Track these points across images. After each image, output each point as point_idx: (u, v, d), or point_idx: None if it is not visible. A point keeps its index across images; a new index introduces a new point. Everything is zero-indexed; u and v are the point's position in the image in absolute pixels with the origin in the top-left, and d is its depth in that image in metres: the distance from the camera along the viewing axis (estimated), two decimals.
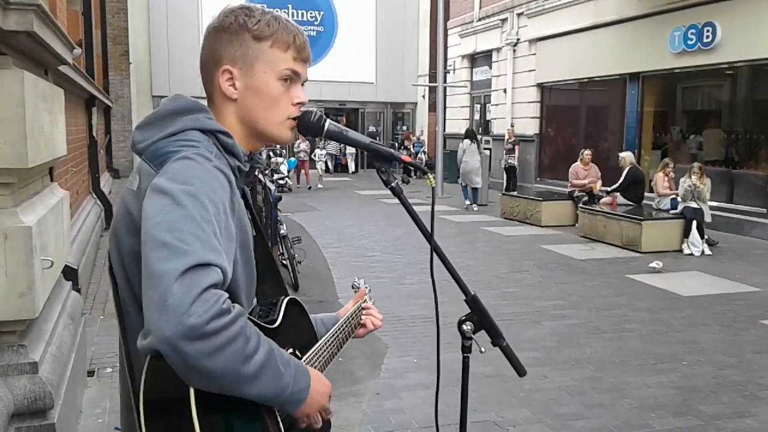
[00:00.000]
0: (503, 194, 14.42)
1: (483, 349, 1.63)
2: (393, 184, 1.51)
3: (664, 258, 9.04)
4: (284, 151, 18.06)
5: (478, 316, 1.62)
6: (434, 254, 1.59)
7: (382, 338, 5.71)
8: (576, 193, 12.49)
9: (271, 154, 16.95)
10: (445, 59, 21.18)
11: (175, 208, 1.14)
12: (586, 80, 15.74)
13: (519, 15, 17.93)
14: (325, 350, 1.54)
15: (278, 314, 1.38)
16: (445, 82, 20.66)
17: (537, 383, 4.79)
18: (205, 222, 1.14)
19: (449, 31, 21.51)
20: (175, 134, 1.30)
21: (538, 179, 17.75)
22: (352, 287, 1.93)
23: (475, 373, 4.94)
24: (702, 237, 9.79)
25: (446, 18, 20.98)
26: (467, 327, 1.62)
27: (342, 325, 1.66)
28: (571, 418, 4.22)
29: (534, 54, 17.38)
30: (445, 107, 20.87)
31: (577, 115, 16.81)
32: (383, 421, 4.14)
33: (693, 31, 12.06)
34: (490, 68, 19.78)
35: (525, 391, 4.63)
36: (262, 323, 1.33)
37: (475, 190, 15.08)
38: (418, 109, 26.61)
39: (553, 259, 9.38)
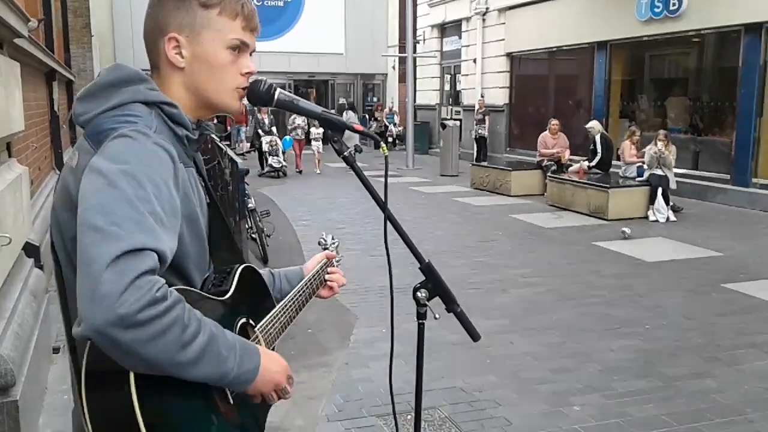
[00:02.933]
0: (473, 165, 14.48)
1: (437, 315, 1.65)
2: (345, 153, 1.51)
3: (630, 225, 9.18)
4: (274, 128, 16.26)
5: (433, 284, 1.64)
6: (388, 223, 1.57)
7: (351, 309, 5.74)
8: (545, 163, 12.59)
9: (260, 132, 16.00)
10: (415, 29, 21.04)
11: (110, 189, 1.11)
12: (554, 49, 15.78)
13: None
14: (282, 315, 1.54)
15: (231, 283, 1.38)
16: (414, 52, 20.56)
17: (503, 350, 4.86)
18: (142, 201, 1.12)
19: (418, 1, 21.32)
20: (117, 107, 1.26)
21: (508, 149, 17.83)
22: (319, 243, 1.92)
23: (442, 341, 5.01)
24: (667, 204, 9.95)
25: None
26: (421, 294, 1.64)
27: (303, 287, 1.66)
28: (536, 382, 4.30)
29: (503, 23, 17.33)
30: (415, 78, 20.79)
31: (546, 85, 16.86)
32: (352, 390, 4.19)
33: None
34: (460, 38, 19.70)
35: (491, 358, 4.70)
36: (212, 295, 1.33)
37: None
38: (388, 80, 26.46)
39: (522, 228, 9.47)
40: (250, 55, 1.42)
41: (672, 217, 9.92)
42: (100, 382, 1.12)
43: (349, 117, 18.34)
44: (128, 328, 1.02)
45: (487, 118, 17.45)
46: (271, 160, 15.39)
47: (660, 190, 9.89)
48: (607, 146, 11.54)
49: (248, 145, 18.86)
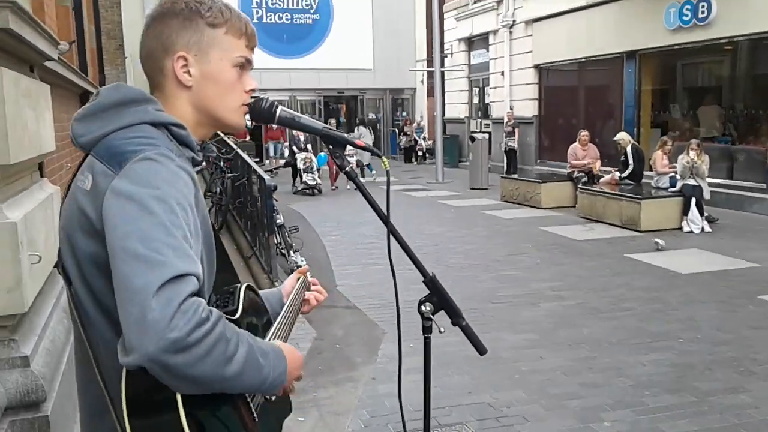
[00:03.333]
0: (502, 177, 14.40)
1: (442, 329, 1.65)
2: (347, 169, 1.52)
3: (663, 236, 9.01)
4: (309, 145, 16.08)
5: (437, 297, 1.63)
6: (392, 237, 1.59)
7: (379, 324, 5.74)
8: (575, 174, 12.47)
9: (294, 149, 15.95)
10: (442, 43, 21.08)
11: (145, 215, 1.12)
12: (583, 60, 15.66)
13: None
14: (279, 330, 1.56)
15: (237, 303, 1.40)
16: (442, 66, 20.59)
17: (532, 364, 4.81)
18: (176, 228, 1.13)
19: (445, 15, 21.38)
20: (125, 128, 1.27)
21: (538, 161, 17.71)
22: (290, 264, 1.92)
23: (470, 356, 4.95)
24: (701, 214, 9.77)
25: (442, 1, 20.88)
26: (426, 308, 1.63)
27: (291, 304, 1.67)
28: (565, 398, 4.24)
29: (530, 35, 17.28)
30: (443, 92, 20.82)
31: (575, 96, 16.74)
32: (378, 405, 4.17)
33: (688, 6, 11.98)
34: (488, 51, 19.68)
35: (520, 373, 4.65)
36: (227, 315, 1.34)
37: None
38: (417, 94, 26.53)
39: (552, 241, 9.38)
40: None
41: (707, 228, 9.73)
42: (146, 407, 1.14)
43: (362, 133, 18.46)
44: (179, 352, 1.05)
45: (516, 130, 17.37)
46: (305, 177, 15.19)
47: (693, 201, 9.72)
48: (639, 157, 11.38)
49: (282, 161, 18.81)
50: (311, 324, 5.71)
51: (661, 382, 4.44)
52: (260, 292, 1.76)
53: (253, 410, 1.30)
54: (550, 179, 13.13)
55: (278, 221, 7.19)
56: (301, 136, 16.14)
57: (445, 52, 21.65)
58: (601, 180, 11.77)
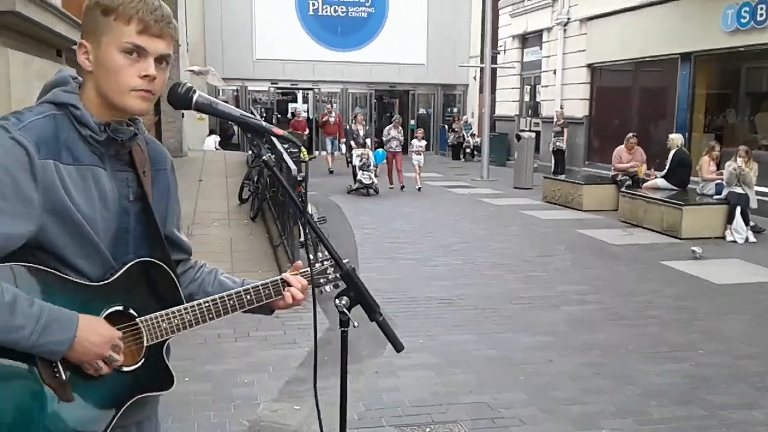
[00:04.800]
0: (545, 177, 14.17)
1: (356, 324, 1.63)
2: (265, 158, 1.52)
3: (705, 245, 8.73)
4: (368, 140, 15.20)
5: (354, 292, 1.61)
6: (310, 227, 1.58)
7: (392, 318, 5.72)
8: (619, 177, 12.17)
9: (352, 144, 15.01)
10: (495, 40, 20.82)
11: None
12: (637, 60, 15.24)
13: None
14: (188, 313, 1.56)
15: (114, 274, 1.47)
16: (495, 63, 20.34)
17: (540, 367, 4.73)
18: None
19: (500, 11, 21.12)
20: (36, 105, 1.42)
21: (587, 162, 17.33)
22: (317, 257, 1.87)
23: (479, 355, 4.93)
24: (747, 224, 9.40)
25: None
26: (339, 302, 1.61)
27: (234, 293, 1.64)
28: (566, 402, 4.15)
29: (584, 34, 16.91)
30: (494, 89, 20.58)
31: (628, 97, 16.31)
32: (376, 398, 4.17)
33: (746, 8, 11.51)
34: (541, 48, 19.36)
35: (526, 375, 4.58)
36: (89, 281, 1.44)
37: None
38: (469, 90, 26.29)
39: (586, 244, 9.18)
40: (164, 61, 1.47)
41: (752, 238, 9.36)
42: None
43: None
44: None
45: (565, 130, 17.03)
46: (360, 175, 13.68)
47: (739, 209, 9.36)
48: (681, 162, 11.02)
49: (329, 158, 18.30)
50: (326, 315, 5.74)
51: (671, 393, 4.31)
52: (252, 282, 1.73)
53: (60, 367, 1.39)
54: (593, 181, 12.85)
55: None
56: (360, 131, 15.36)
57: (499, 48, 21.40)
58: (645, 184, 11.45)
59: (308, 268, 1.76)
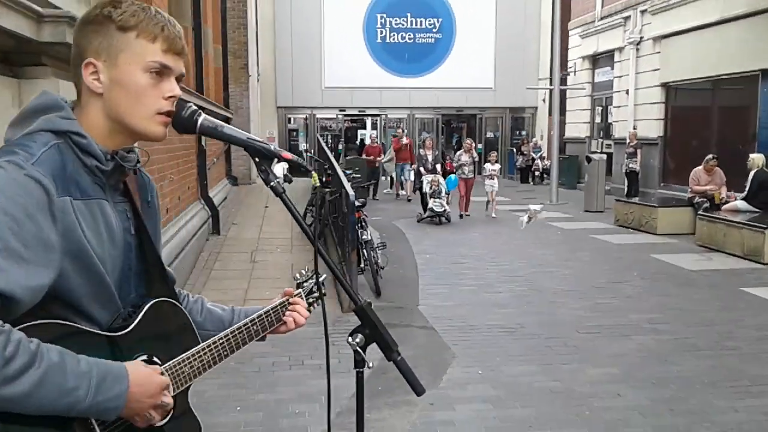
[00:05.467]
0: (617, 200, 13.67)
1: (371, 364, 1.50)
2: (273, 183, 1.43)
3: None
4: (438, 166, 14.42)
5: (369, 329, 1.48)
6: (320, 258, 1.48)
7: (451, 347, 5.55)
8: (696, 200, 11.60)
9: (422, 170, 14.23)
10: (566, 61, 20.45)
11: None
12: (714, 78, 14.59)
13: (642, 12, 16.97)
14: (206, 353, 1.47)
15: (135, 319, 1.35)
16: (565, 84, 19.96)
17: (606, 402, 4.44)
18: None
19: (570, 32, 20.76)
20: (27, 135, 1.27)
21: (662, 185, 16.65)
22: (294, 279, 1.83)
23: (542, 388, 4.69)
24: None
25: (567, 19, 20.29)
26: (353, 340, 1.49)
27: (243, 326, 1.58)
28: None
29: (658, 52, 16.36)
30: (563, 111, 20.16)
31: (705, 116, 15.61)
32: None
33: None
34: (612, 69, 18.87)
35: (592, 410, 4.31)
36: (109, 331, 1.31)
37: None
38: (538, 113, 25.88)
39: (661, 269, 8.73)
40: (179, 79, 1.38)
41: None
42: None
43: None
44: None
45: (639, 151, 16.45)
46: (431, 203, 12.82)
47: None
48: (763, 184, 10.40)
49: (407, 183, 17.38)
50: None
51: (751, 431, 3.97)
52: (241, 308, 1.69)
53: (94, 424, 1.24)
54: (668, 204, 12.29)
55: (364, 237, 7.17)
56: (429, 156, 14.59)
57: (568, 70, 21.00)
58: (725, 207, 10.86)
59: (300, 290, 1.70)
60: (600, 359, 5.28)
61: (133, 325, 1.34)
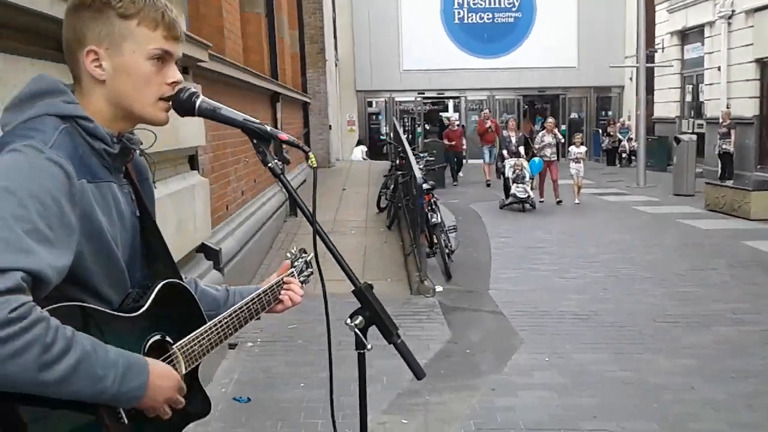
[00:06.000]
0: (707, 183, 13.00)
1: (369, 346, 1.48)
2: (270, 165, 1.41)
3: None
4: (522, 148, 13.52)
5: (369, 311, 1.45)
6: (319, 239, 1.46)
7: (519, 332, 5.44)
8: None
9: (504, 153, 13.61)
10: (653, 37, 19.56)
11: None
12: None
13: None
14: (213, 332, 1.49)
15: (147, 300, 1.36)
16: (652, 62, 19.12)
17: (679, 394, 4.24)
18: (18, 220, 1.11)
19: (657, 7, 19.81)
20: (31, 119, 1.26)
21: (759, 167, 15.69)
22: (287, 256, 1.84)
23: (612, 378, 4.54)
24: None
25: None
26: (351, 322, 1.46)
27: (245, 305, 1.59)
28: None
29: (751, 26, 15.36)
30: (651, 89, 19.33)
31: None
32: (489, 418, 3.93)
33: None
34: (703, 44, 17.89)
35: (661, 402, 4.12)
36: (124, 312, 1.33)
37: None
38: (625, 92, 24.89)
39: (752, 257, 8.24)
40: (177, 63, 1.38)
41: None
42: None
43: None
44: None
45: (732, 131, 15.56)
46: (514, 188, 12.10)
47: None
48: None
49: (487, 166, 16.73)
50: (449, 326, 5.58)
51: None
52: (236, 288, 1.73)
53: (122, 412, 1.27)
54: (764, 187, 11.57)
55: (433, 220, 7.11)
56: (513, 138, 13.64)
57: (656, 46, 20.07)
58: None
59: (293, 269, 1.76)
60: (675, 350, 5.04)
61: (146, 306, 1.36)
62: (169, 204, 3.80)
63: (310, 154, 1.42)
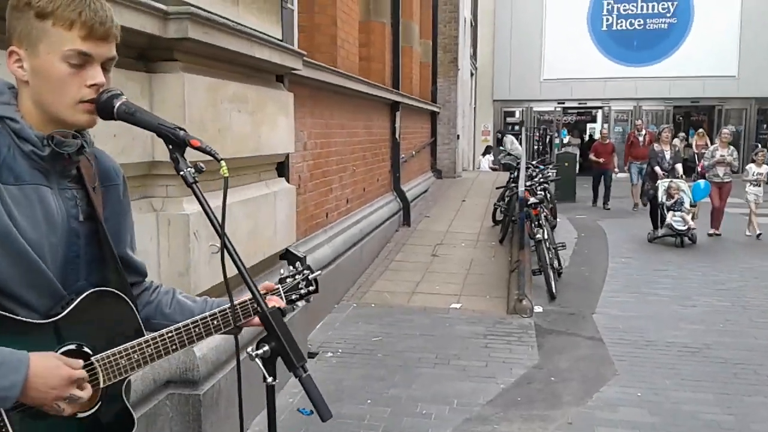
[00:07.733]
0: None
1: (270, 379, 1.35)
2: (182, 173, 1.33)
3: None
4: (678, 166, 11.29)
5: (274, 341, 1.33)
6: (227, 253, 1.36)
7: (615, 362, 5.02)
8: None
9: (658, 170, 11.18)
10: None
11: None
12: None
13: None
14: (146, 347, 1.42)
15: (66, 307, 1.34)
16: None
17: None
18: None
19: None
20: None
21: None
22: (280, 273, 1.75)
23: (708, 421, 4.09)
24: None
25: None
26: (254, 351, 1.35)
27: (201, 320, 1.51)
28: None
29: None
30: None
31: None
32: None
33: None
34: None
35: None
36: (36, 319, 1.31)
37: None
38: None
39: None
40: (107, 65, 1.35)
41: None
42: None
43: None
44: None
45: None
46: (670, 218, 9.75)
47: None
48: None
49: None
50: (539, 350, 5.27)
51: None
52: (215, 299, 1.67)
53: (2, 413, 1.25)
54: None
55: (538, 236, 6.75)
56: (667, 153, 11.53)
57: None
58: None
59: (279, 287, 1.68)
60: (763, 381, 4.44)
61: (63, 314, 1.34)
62: (239, 210, 3.86)
63: (222, 163, 1.35)
